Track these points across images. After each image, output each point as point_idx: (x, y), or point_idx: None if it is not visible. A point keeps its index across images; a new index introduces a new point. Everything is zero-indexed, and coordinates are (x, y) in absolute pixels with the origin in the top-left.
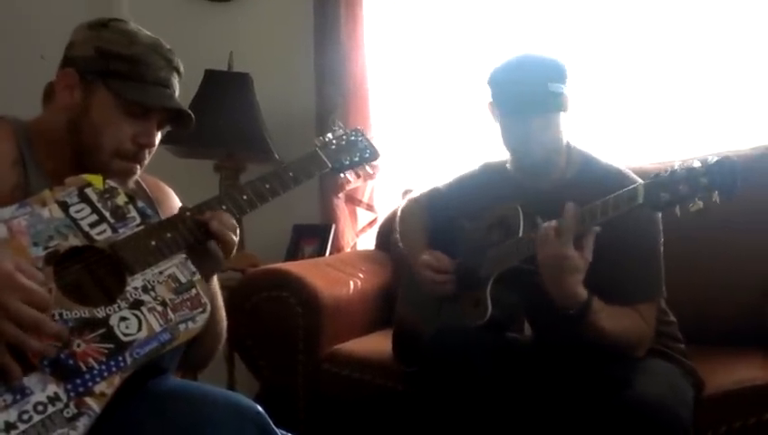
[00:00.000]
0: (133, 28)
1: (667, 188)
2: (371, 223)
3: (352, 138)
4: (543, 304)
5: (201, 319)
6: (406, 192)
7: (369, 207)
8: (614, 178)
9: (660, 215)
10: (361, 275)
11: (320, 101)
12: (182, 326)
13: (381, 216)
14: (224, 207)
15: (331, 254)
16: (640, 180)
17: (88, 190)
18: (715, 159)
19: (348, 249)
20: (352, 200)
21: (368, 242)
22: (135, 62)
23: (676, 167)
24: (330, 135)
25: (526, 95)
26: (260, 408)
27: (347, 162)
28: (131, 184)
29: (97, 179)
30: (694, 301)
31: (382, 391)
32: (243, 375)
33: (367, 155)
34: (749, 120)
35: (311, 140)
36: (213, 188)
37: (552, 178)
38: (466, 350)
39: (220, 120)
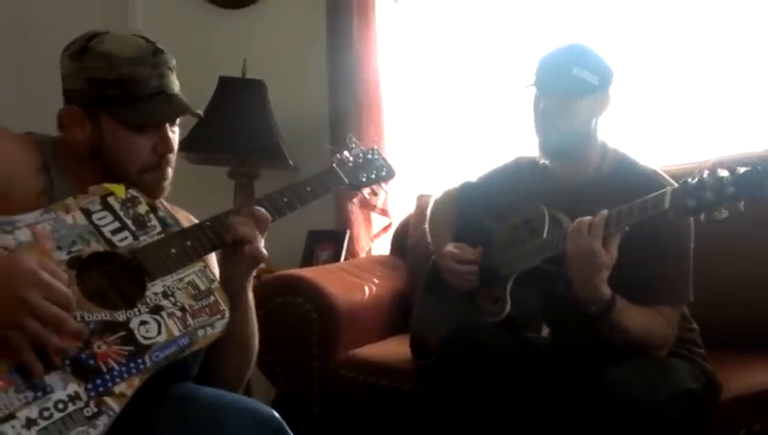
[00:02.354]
0: (110, 47)
1: (694, 194)
2: (386, 228)
3: (369, 156)
4: (563, 306)
5: (220, 325)
6: (420, 197)
7: (384, 213)
8: (648, 180)
9: (692, 221)
10: (376, 281)
11: (333, 107)
12: (201, 332)
13: (396, 221)
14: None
15: (346, 259)
16: (675, 183)
17: (110, 199)
18: (744, 169)
19: (363, 255)
20: (367, 206)
21: (383, 247)
22: (125, 83)
23: (704, 174)
24: (347, 153)
25: (548, 75)
26: (276, 414)
27: (363, 179)
28: (166, 191)
29: (119, 189)
30: (714, 305)
31: (398, 396)
32: (259, 381)
33: (383, 173)
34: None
35: (324, 147)
36: (228, 195)
37: (584, 173)
38: (482, 347)
39: (234, 126)
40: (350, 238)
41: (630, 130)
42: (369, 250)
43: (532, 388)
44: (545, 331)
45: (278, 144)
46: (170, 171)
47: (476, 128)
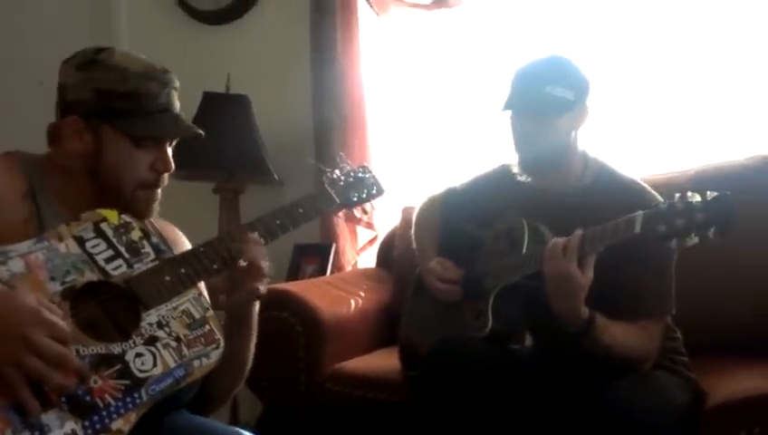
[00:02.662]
0: (120, 60)
1: (665, 220)
2: (372, 241)
3: (360, 174)
4: (545, 320)
5: (215, 355)
6: (405, 209)
7: (369, 226)
8: (628, 190)
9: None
10: (362, 294)
11: (317, 121)
12: (196, 362)
13: (381, 233)
14: (235, 243)
15: (332, 273)
16: (655, 193)
17: (103, 225)
18: (714, 194)
19: (349, 268)
20: (352, 219)
21: (368, 260)
22: (135, 97)
23: (675, 198)
24: (337, 171)
25: (520, 96)
26: None
27: (354, 199)
28: (155, 212)
29: (112, 214)
30: (695, 311)
31: (385, 408)
32: (245, 396)
33: (374, 191)
34: (752, 128)
35: (309, 163)
36: (213, 210)
37: (566, 183)
38: (467, 360)
39: (219, 142)
40: (336, 252)
41: (612, 140)
42: (355, 263)
43: (518, 400)
44: (528, 340)
45: (263, 159)
46: (159, 193)
47: (460, 140)
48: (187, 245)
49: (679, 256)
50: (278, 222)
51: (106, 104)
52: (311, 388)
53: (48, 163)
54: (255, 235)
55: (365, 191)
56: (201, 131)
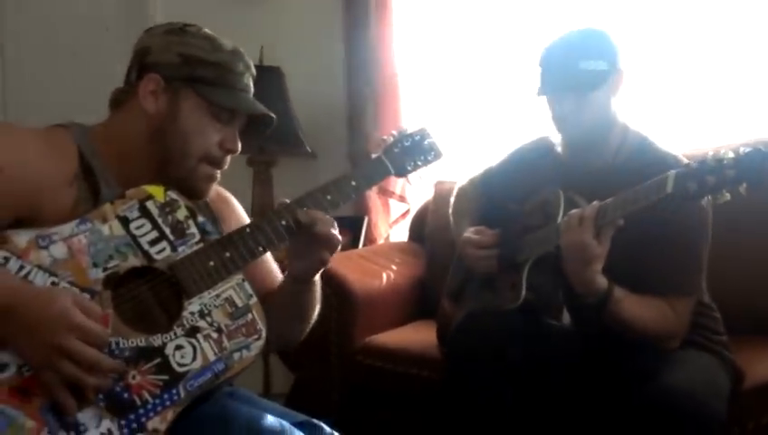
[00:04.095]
0: (210, 34)
1: (696, 178)
2: (404, 214)
3: (417, 138)
4: (571, 291)
5: (256, 347)
6: (438, 183)
7: (402, 199)
8: (667, 164)
9: (709, 212)
10: (394, 267)
11: (350, 94)
12: (236, 355)
13: (414, 207)
14: (283, 222)
15: (364, 246)
16: None
17: (149, 203)
18: (746, 150)
19: (381, 241)
20: (385, 192)
21: (401, 234)
22: (221, 69)
23: (707, 157)
24: (394, 134)
25: (554, 75)
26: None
27: (410, 167)
28: (209, 193)
29: (158, 191)
30: (738, 291)
31: (415, 382)
32: (277, 369)
33: (431, 157)
34: None
35: (342, 133)
36: (247, 182)
37: (604, 157)
38: (496, 334)
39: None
40: (369, 225)
41: (654, 114)
42: (388, 237)
43: (547, 374)
44: (566, 317)
45: (296, 131)
46: (219, 175)
47: (495, 113)
48: (240, 217)
49: (718, 235)
50: (329, 197)
51: (191, 69)
52: (342, 360)
53: (104, 131)
54: (319, 211)
55: (421, 157)
56: (274, 118)
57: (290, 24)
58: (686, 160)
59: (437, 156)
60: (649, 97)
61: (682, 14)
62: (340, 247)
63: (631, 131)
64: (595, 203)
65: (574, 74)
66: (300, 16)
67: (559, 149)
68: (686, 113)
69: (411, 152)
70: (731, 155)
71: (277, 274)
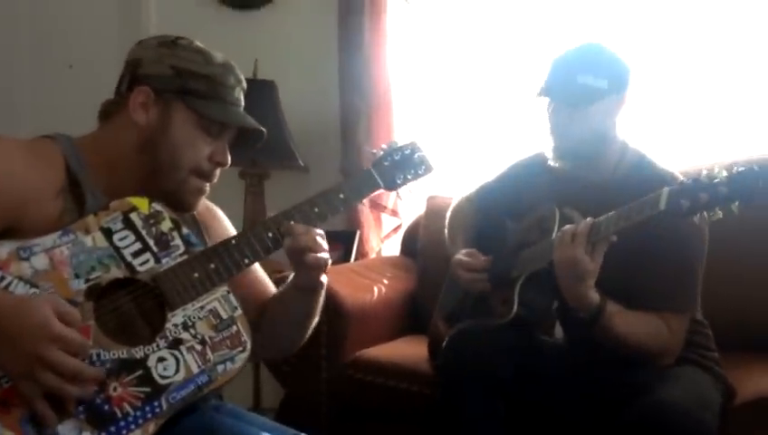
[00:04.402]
0: (202, 48)
1: (689, 195)
2: (396, 229)
3: (407, 152)
4: (565, 306)
5: (240, 359)
6: (431, 198)
7: (394, 213)
8: (664, 181)
9: (705, 229)
10: (386, 281)
11: (344, 108)
12: (220, 368)
13: (406, 222)
14: (269, 234)
15: (355, 260)
16: None
17: (133, 215)
18: (739, 168)
19: (373, 255)
20: (377, 206)
21: (393, 248)
22: (212, 82)
23: (701, 175)
24: (384, 148)
25: (553, 85)
26: None
27: (399, 181)
28: (197, 207)
29: (142, 203)
30: (729, 307)
31: (407, 397)
32: (268, 382)
33: (421, 171)
34: None
35: (335, 147)
36: (239, 194)
37: (601, 173)
38: (487, 349)
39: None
40: (360, 239)
41: (651, 131)
42: (379, 251)
43: (538, 390)
44: (559, 332)
45: (288, 145)
46: (208, 188)
47: (488, 128)
48: (227, 229)
49: (709, 252)
50: (316, 210)
51: (182, 82)
52: (332, 374)
53: (92, 142)
54: (299, 224)
55: (411, 171)
56: (264, 130)
57: (284, 37)
58: (682, 178)
59: (428, 170)
60: (647, 114)
61: (679, 30)
62: (330, 261)
63: (630, 149)
64: (589, 219)
65: (571, 87)
66: (295, 30)
67: (556, 164)
68: (684, 131)
69: (401, 166)
70: (724, 174)
71: (268, 283)
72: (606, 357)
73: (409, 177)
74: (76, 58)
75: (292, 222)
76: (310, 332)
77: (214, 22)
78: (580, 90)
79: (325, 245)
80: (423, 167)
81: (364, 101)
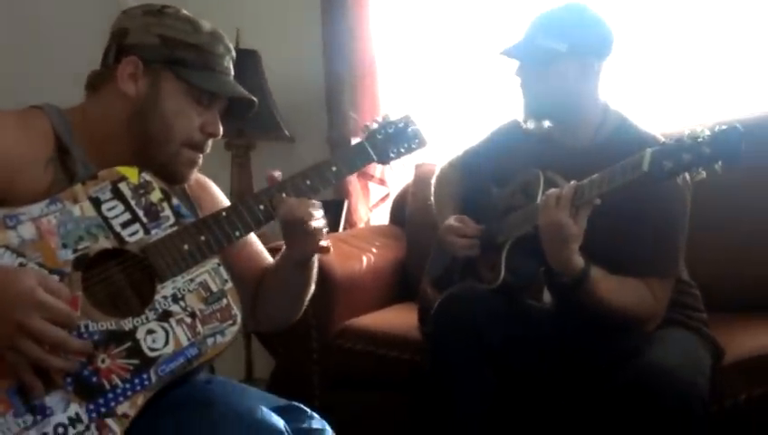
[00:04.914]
0: (190, 16)
1: (671, 156)
2: (384, 198)
3: (401, 125)
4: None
5: (230, 332)
6: (418, 166)
7: (382, 182)
8: (646, 144)
9: (688, 193)
10: (374, 250)
11: (328, 77)
12: (210, 341)
13: (394, 190)
14: (261, 206)
15: (344, 229)
16: None
17: (122, 185)
18: (722, 128)
19: (361, 225)
20: (364, 175)
21: (381, 217)
22: (201, 51)
23: (683, 135)
24: (378, 121)
25: (516, 48)
26: (285, 428)
27: (393, 154)
28: (191, 178)
29: (132, 172)
30: (716, 267)
31: (397, 365)
32: (259, 353)
33: (414, 145)
34: None
35: (320, 117)
36: (225, 166)
37: (582, 136)
38: (475, 315)
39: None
40: (348, 208)
41: (634, 93)
42: (368, 220)
43: (526, 354)
44: (547, 296)
45: (273, 115)
46: (201, 160)
47: (473, 94)
48: (219, 201)
49: (695, 213)
50: (308, 182)
51: (171, 51)
52: (322, 344)
53: (81, 114)
54: (291, 197)
55: (405, 145)
56: (255, 99)
57: (266, 6)
58: (664, 140)
59: (421, 144)
60: (629, 77)
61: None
62: (326, 229)
63: (611, 112)
64: (572, 183)
65: (530, 48)
66: None
67: (530, 126)
68: (666, 93)
69: (395, 139)
70: (707, 133)
71: (266, 255)
72: (593, 322)
73: (402, 150)
74: (53, 36)
75: (284, 194)
76: (306, 303)
77: None
78: (538, 52)
79: (320, 213)
80: (416, 140)
81: (349, 70)
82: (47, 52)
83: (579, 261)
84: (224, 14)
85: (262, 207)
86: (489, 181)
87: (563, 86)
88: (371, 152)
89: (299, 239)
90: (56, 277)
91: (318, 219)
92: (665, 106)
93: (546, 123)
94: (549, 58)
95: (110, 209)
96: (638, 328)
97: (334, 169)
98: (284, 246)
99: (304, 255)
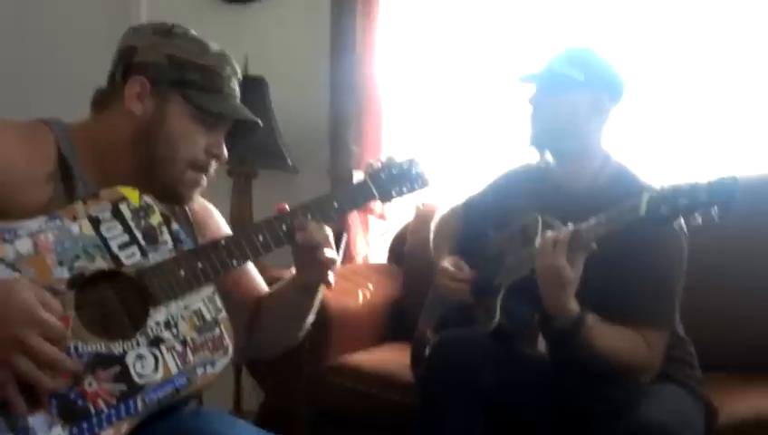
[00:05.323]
0: (198, 37)
1: (668, 201)
2: (384, 233)
3: (405, 166)
4: (545, 317)
5: (221, 363)
6: (419, 205)
7: (382, 217)
8: (644, 190)
9: (685, 243)
10: (371, 287)
11: (333, 110)
12: (200, 371)
13: (395, 228)
14: (260, 238)
15: (342, 263)
16: None
17: (122, 206)
18: (720, 177)
19: (359, 259)
20: (365, 209)
21: (380, 254)
22: (209, 72)
23: (682, 181)
24: (382, 160)
25: (534, 72)
26: None
27: (395, 193)
28: (197, 198)
29: (133, 194)
30: (713, 326)
31: (387, 405)
32: (247, 384)
33: (417, 185)
34: None
35: (323, 149)
36: (226, 192)
37: (581, 180)
38: (469, 359)
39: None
40: (347, 242)
41: (637, 145)
42: (366, 255)
43: (519, 402)
44: (542, 344)
45: (277, 143)
46: (205, 180)
47: (477, 135)
48: (221, 229)
49: (692, 271)
50: (310, 216)
51: (179, 72)
52: (313, 379)
53: (86, 131)
54: (313, 221)
55: (407, 185)
56: (260, 122)
57: (276, 34)
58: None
59: (424, 184)
60: (633, 132)
61: (667, 48)
62: (339, 262)
63: (612, 160)
64: (570, 227)
65: (547, 74)
66: (286, 28)
67: (536, 158)
68: (666, 153)
69: (398, 180)
70: (704, 181)
71: (262, 283)
72: (588, 371)
73: (405, 190)
74: (64, 51)
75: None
76: (304, 331)
77: (204, 14)
78: (556, 77)
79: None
80: (420, 181)
81: (354, 104)
82: (54, 64)
83: (575, 306)
84: (232, 39)
85: (261, 238)
86: (488, 225)
87: (573, 117)
88: (374, 190)
89: (309, 265)
90: (50, 295)
91: (333, 249)
92: (664, 163)
93: (548, 157)
94: (565, 85)
95: (108, 230)
96: (633, 379)
97: (336, 204)
98: (294, 270)
99: (315, 279)
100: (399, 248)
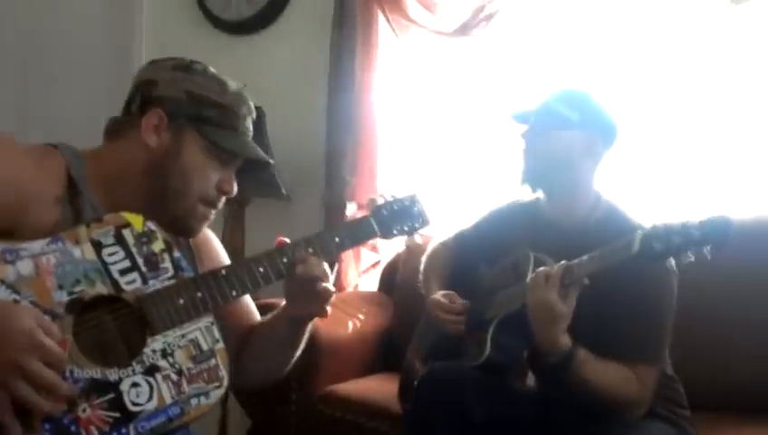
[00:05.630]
0: (217, 74)
1: (661, 238)
2: (375, 264)
3: (407, 203)
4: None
5: (215, 395)
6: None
7: (374, 249)
8: (637, 229)
9: (675, 281)
10: (362, 317)
11: (329, 140)
12: (194, 401)
13: (386, 258)
14: (261, 269)
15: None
16: None
17: (125, 231)
18: (712, 216)
19: (350, 289)
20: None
21: (371, 284)
22: (226, 110)
23: (674, 220)
24: (384, 196)
25: (527, 110)
26: None
27: (396, 231)
28: (200, 233)
29: (137, 220)
30: (706, 366)
31: None
32: (235, 412)
33: (418, 224)
34: None
35: (318, 179)
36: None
37: (573, 218)
38: (458, 392)
39: None
40: (338, 272)
41: (629, 185)
42: (357, 285)
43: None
44: (531, 379)
45: (272, 172)
46: (213, 216)
47: (471, 170)
48: (220, 258)
49: (687, 311)
50: (311, 250)
51: (197, 109)
52: (301, 408)
53: (97, 158)
54: (311, 254)
55: (408, 223)
56: (272, 162)
57: (275, 65)
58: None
59: (425, 223)
60: (625, 169)
61: (658, 88)
62: (331, 298)
63: (603, 199)
64: (563, 262)
65: (542, 111)
66: (286, 59)
67: (527, 195)
68: (659, 190)
69: (399, 217)
70: (697, 220)
71: (255, 313)
72: (577, 406)
73: (406, 229)
74: (65, 79)
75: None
76: (292, 362)
77: (204, 44)
78: (551, 115)
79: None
80: (420, 220)
81: (350, 137)
82: (57, 94)
83: (566, 341)
84: (231, 68)
85: (261, 269)
86: (479, 259)
87: (566, 155)
88: (376, 228)
89: (304, 298)
90: (48, 318)
91: (330, 283)
92: (655, 204)
93: (540, 194)
94: (559, 123)
95: (110, 255)
96: (624, 414)
97: (337, 240)
98: (285, 302)
99: (309, 312)
100: (390, 278)
